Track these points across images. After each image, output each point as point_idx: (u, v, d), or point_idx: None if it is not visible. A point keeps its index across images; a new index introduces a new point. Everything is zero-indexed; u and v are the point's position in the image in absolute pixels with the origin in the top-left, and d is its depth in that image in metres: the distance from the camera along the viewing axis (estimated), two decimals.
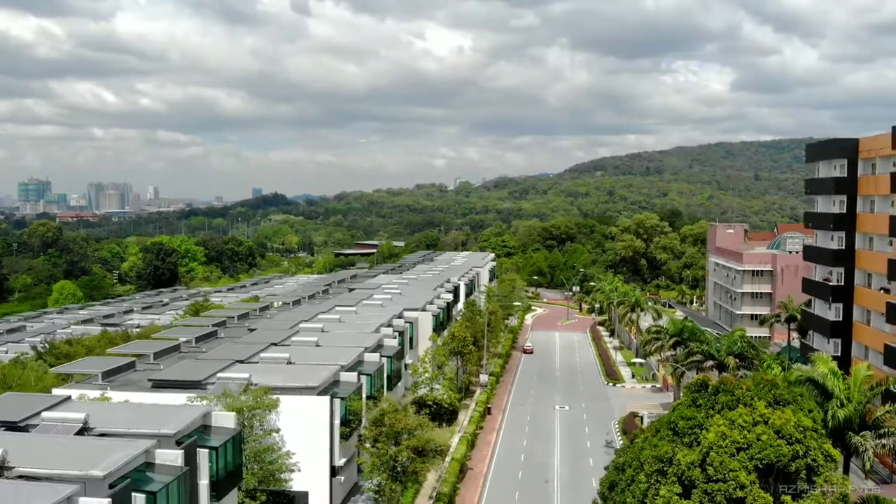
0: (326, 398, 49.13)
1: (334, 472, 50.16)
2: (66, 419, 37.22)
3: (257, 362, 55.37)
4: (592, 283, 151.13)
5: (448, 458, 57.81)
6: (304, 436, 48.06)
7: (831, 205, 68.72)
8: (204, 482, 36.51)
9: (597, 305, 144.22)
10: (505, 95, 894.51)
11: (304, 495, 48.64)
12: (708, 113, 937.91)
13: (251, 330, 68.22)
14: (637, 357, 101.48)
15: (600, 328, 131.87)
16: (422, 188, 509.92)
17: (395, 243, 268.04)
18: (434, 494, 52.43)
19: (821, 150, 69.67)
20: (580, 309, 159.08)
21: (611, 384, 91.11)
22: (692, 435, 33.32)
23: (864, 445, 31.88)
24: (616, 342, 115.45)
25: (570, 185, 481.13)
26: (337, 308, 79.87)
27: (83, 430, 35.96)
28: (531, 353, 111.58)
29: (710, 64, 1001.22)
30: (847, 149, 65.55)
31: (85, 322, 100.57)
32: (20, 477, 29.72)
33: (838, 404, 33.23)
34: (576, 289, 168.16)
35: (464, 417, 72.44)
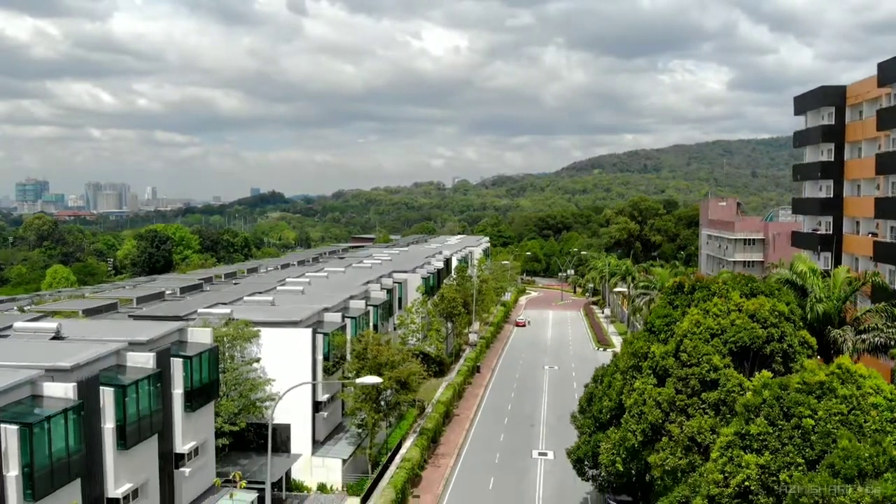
0: (309, 330, 48.75)
1: (317, 407, 49.77)
2: (39, 328, 37.05)
3: (241, 304, 55.08)
4: (587, 264, 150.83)
5: (434, 401, 57.59)
6: (287, 369, 47.69)
7: (819, 154, 68.48)
8: (178, 391, 36.21)
9: (590, 286, 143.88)
10: (502, 95, 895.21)
11: (287, 428, 48.25)
12: (705, 112, 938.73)
13: (237, 283, 67.99)
14: (629, 329, 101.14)
15: (594, 307, 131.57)
16: (420, 186, 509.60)
17: (392, 237, 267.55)
18: (418, 430, 52.04)
19: (809, 99, 69.40)
20: (574, 291, 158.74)
21: (601, 349, 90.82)
22: (668, 331, 33.05)
23: (844, 338, 31.48)
24: (608, 311, 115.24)
25: (568, 182, 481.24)
26: (326, 269, 79.55)
27: (56, 339, 35.69)
28: (524, 326, 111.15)
29: (707, 63, 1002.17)
30: (835, 95, 65.35)
31: (74, 297, 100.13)
32: None
33: (816, 299, 32.91)
34: (570, 272, 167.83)
35: (452, 373, 72.07)
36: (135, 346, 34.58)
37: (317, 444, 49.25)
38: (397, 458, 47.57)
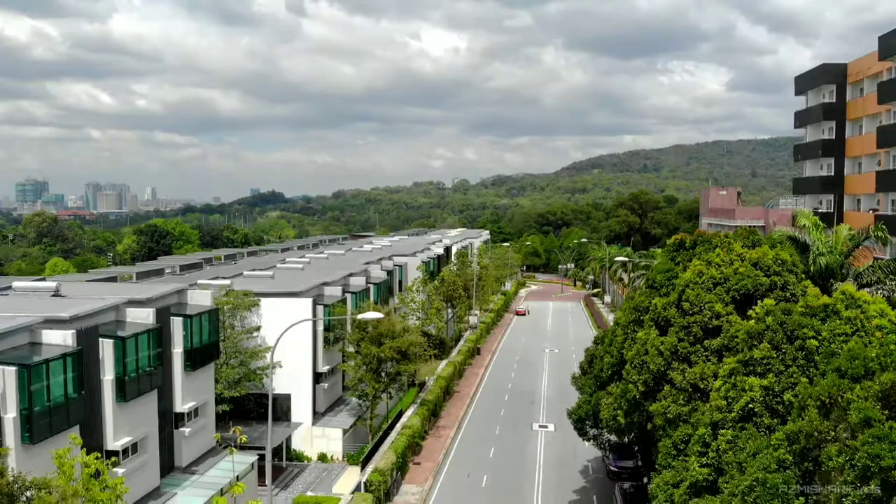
0: (309, 300, 48.60)
1: (318, 378, 49.61)
2: (38, 287, 36.96)
3: (241, 278, 54.91)
4: (587, 257, 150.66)
5: (434, 375, 57.47)
6: (288, 340, 47.39)
7: (820, 133, 68.39)
8: (178, 350, 36.08)
9: (591, 278, 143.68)
10: (501, 96, 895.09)
11: (287, 398, 48.12)
12: (705, 113, 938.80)
13: (236, 264, 67.83)
14: None
15: (594, 298, 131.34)
16: (419, 186, 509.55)
17: (392, 233, 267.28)
18: (419, 402, 51.86)
19: (809, 77, 69.31)
20: (574, 284, 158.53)
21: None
22: (669, 286, 32.88)
23: None
24: (608, 299, 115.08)
25: (568, 182, 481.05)
26: (326, 252, 79.43)
27: (56, 297, 35.56)
28: (524, 315, 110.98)
29: (706, 64, 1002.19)
30: (836, 73, 65.29)
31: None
32: None
33: (818, 252, 32.73)
34: (570, 265, 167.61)
35: (453, 353, 71.86)
36: (134, 303, 34.47)
37: (317, 416, 49.11)
38: (398, 426, 47.40)
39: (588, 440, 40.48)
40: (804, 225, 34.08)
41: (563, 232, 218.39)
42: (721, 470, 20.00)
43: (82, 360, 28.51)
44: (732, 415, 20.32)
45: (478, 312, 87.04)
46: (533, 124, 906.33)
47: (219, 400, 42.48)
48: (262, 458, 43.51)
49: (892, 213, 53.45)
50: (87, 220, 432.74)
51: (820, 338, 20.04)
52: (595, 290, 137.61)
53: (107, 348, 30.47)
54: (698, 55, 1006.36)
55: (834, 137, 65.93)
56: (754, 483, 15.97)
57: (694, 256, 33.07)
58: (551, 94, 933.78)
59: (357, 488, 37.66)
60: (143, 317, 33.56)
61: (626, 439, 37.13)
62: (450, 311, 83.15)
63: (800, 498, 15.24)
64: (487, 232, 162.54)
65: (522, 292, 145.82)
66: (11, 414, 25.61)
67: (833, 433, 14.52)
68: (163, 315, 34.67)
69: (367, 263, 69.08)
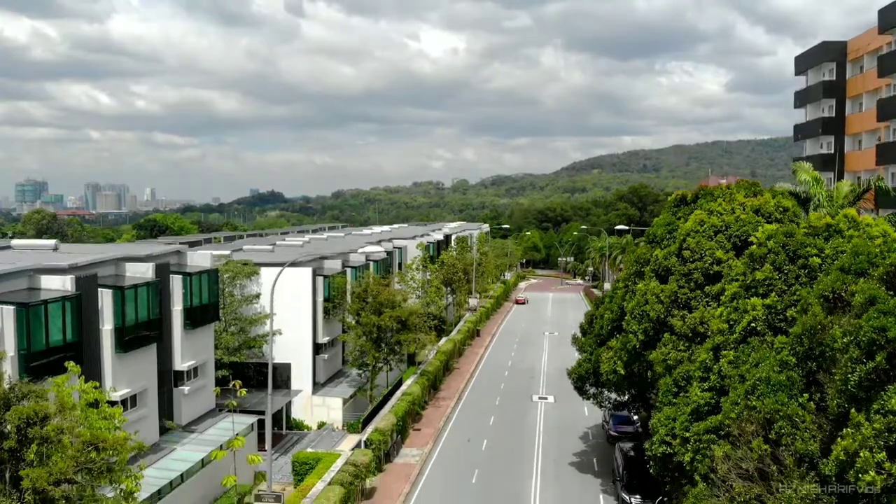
0: (309, 269, 48.57)
1: (318, 348, 49.52)
2: (36, 245, 36.94)
3: (241, 251, 54.87)
4: (586, 249, 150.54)
5: (435, 349, 57.41)
6: (288, 310, 47.42)
7: (820, 111, 68.32)
8: (177, 308, 36.00)
9: (590, 269, 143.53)
10: (500, 97, 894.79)
11: (287, 367, 48.03)
12: (704, 113, 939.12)
13: (235, 243, 67.86)
14: None
15: (594, 290, 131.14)
16: (419, 186, 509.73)
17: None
18: (419, 373, 51.75)
19: (810, 56, 69.22)
20: (574, 277, 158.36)
21: None
22: (670, 239, 32.80)
23: None
24: (608, 286, 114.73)
25: (567, 182, 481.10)
26: (326, 234, 79.51)
27: (54, 252, 35.49)
28: (524, 303, 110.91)
29: (704, 65, 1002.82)
30: (835, 51, 65.24)
31: None
32: None
33: (818, 202, 32.64)
34: (570, 259, 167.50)
35: (453, 332, 71.74)
36: (134, 259, 34.41)
37: (317, 386, 49.02)
38: (398, 393, 47.31)
39: (587, 398, 40.35)
40: (805, 179, 33.98)
41: (563, 228, 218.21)
42: (723, 391, 19.90)
43: (81, 306, 28.40)
44: (734, 336, 20.20)
45: (478, 297, 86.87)
46: (532, 125, 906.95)
47: (219, 365, 42.39)
48: (262, 423, 43.55)
49: (893, 187, 53.30)
50: (87, 219, 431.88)
51: (823, 255, 19.93)
52: (595, 283, 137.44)
53: (106, 298, 30.36)
54: (697, 56, 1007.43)
55: (834, 115, 65.89)
56: (757, 383, 15.85)
57: (696, 209, 32.99)
58: (550, 94, 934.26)
59: (357, 446, 37.53)
60: (142, 271, 33.49)
61: (625, 396, 36.99)
62: (450, 296, 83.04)
63: (804, 394, 15.13)
64: (487, 225, 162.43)
65: (522, 284, 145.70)
66: (9, 353, 25.47)
67: (838, 325, 14.39)
68: (162, 271, 34.60)
69: (367, 244, 69.10)
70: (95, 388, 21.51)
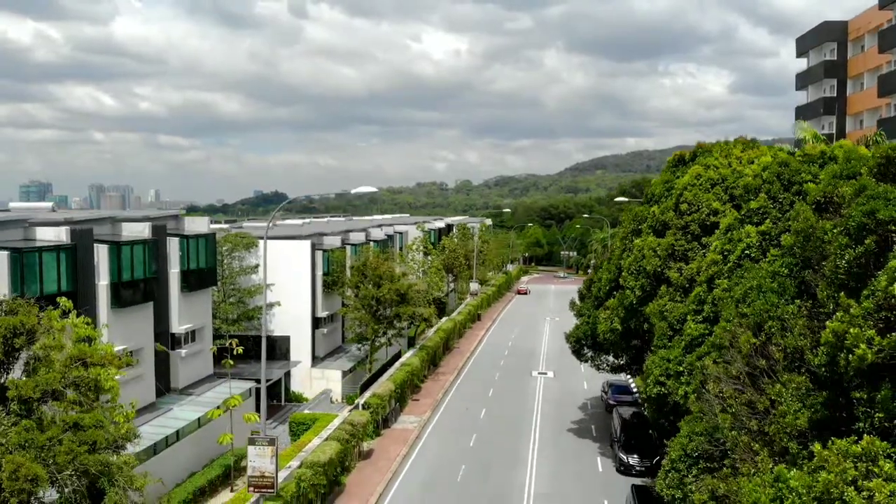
0: (308, 242, 48.57)
1: (317, 323, 49.45)
2: (35, 206, 36.96)
3: (240, 227, 54.88)
4: (590, 243, 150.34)
5: (434, 328, 57.30)
6: (287, 283, 47.42)
7: (821, 92, 68.01)
8: (174, 270, 36.02)
9: (593, 262, 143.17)
10: (503, 98, 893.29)
11: (286, 339, 47.98)
12: (707, 115, 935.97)
13: (236, 222, 67.84)
14: None
15: None
16: (422, 186, 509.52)
17: None
18: (418, 346, 51.68)
19: (810, 37, 68.90)
20: (577, 272, 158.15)
21: None
22: (668, 197, 32.62)
23: None
24: None
25: (571, 182, 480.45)
26: (327, 218, 79.53)
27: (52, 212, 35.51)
28: (526, 293, 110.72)
29: (707, 66, 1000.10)
30: (836, 31, 64.96)
31: None
32: None
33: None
34: (573, 253, 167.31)
35: (453, 314, 71.62)
36: (130, 219, 34.44)
37: (316, 360, 48.97)
38: (397, 364, 47.18)
39: (584, 361, 40.17)
40: (803, 138, 33.80)
41: (566, 224, 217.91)
42: (716, 320, 19.72)
43: (76, 257, 28.38)
44: (728, 265, 20.06)
45: (478, 283, 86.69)
46: (535, 127, 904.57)
47: (217, 335, 42.32)
48: (259, 392, 43.49)
49: None
50: None
51: (818, 180, 19.77)
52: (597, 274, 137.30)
53: (102, 252, 30.35)
54: (700, 57, 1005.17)
55: (835, 95, 65.64)
56: (748, 291, 15.71)
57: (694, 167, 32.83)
58: (553, 96, 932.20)
59: (354, 408, 37.43)
60: (138, 230, 33.52)
61: (622, 359, 36.79)
62: (451, 283, 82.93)
63: (795, 301, 14.94)
64: (489, 220, 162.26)
65: (525, 277, 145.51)
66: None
67: (830, 226, 14.19)
68: (159, 232, 34.60)
69: (368, 227, 69.11)
70: (87, 323, 21.43)
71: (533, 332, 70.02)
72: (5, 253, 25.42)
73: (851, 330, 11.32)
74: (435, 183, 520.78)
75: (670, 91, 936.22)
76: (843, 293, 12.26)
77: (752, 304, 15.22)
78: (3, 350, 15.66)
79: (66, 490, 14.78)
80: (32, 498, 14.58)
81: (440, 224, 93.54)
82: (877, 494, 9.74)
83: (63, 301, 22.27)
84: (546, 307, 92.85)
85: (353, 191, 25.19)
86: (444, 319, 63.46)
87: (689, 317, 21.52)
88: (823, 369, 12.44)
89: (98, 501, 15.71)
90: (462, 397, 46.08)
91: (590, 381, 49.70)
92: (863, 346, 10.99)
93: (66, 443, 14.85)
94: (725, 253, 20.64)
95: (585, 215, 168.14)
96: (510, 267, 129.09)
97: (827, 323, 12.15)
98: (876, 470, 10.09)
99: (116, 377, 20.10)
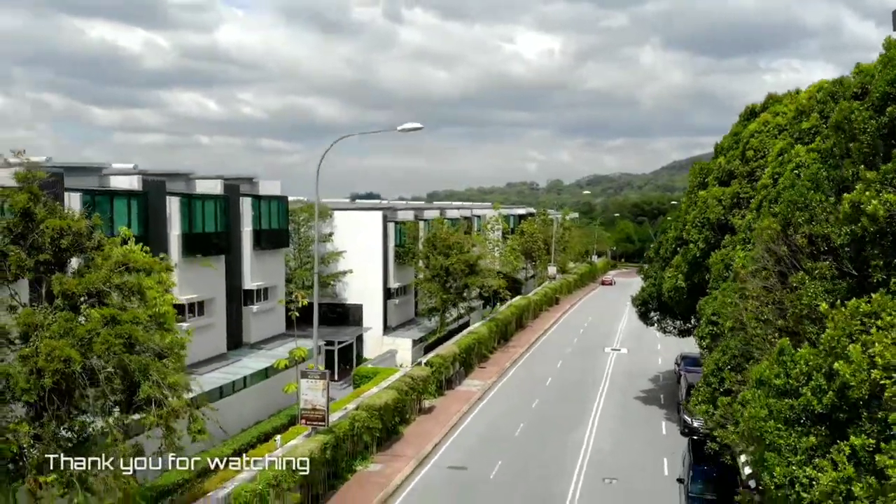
0: (380, 213, 49.39)
1: (389, 294, 50.17)
2: (118, 168, 38.80)
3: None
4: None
5: (506, 305, 57.16)
6: (359, 253, 48.45)
7: None
8: (247, 229, 37.24)
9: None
10: (596, 97, 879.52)
11: (359, 308, 48.89)
12: None
13: None
14: None
15: None
16: (513, 186, 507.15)
17: None
18: (489, 317, 51.69)
19: None
20: None
21: None
22: (735, 148, 31.55)
23: None
24: None
25: (667, 181, 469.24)
26: (406, 202, 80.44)
27: None
28: (611, 284, 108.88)
29: (813, 62, 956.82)
30: None
31: None
32: None
33: None
34: None
35: (529, 294, 71.17)
36: (204, 178, 35.81)
37: (388, 329, 49.65)
38: (465, 331, 47.36)
39: (651, 325, 39.29)
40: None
41: (660, 220, 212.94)
42: None
43: (147, 205, 29.75)
44: (778, 188, 19.24)
45: (556, 268, 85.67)
46: (629, 126, 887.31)
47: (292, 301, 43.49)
48: (329, 353, 44.51)
49: None
50: None
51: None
52: None
53: (174, 204, 31.72)
54: (805, 53, 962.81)
55: None
56: (782, 190, 14.96)
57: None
58: (648, 94, 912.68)
59: (417, 364, 37.80)
60: (211, 186, 34.83)
61: (688, 323, 35.75)
62: (529, 268, 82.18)
63: (831, 198, 14.13)
64: (577, 214, 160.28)
65: (612, 271, 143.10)
66: None
67: (858, 104, 13.38)
68: (231, 190, 35.87)
69: (444, 208, 69.57)
70: (146, 252, 22.41)
71: (612, 315, 68.80)
72: (78, 195, 26.91)
73: (867, 192, 10.73)
74: (525, 182, 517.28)
75: (773, 87, 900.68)
76: (863, 167, 11.62)
77: (781, 199, 14.56)
78: (52, 251, 16.61)
79: (101, 376, 15.56)
80: (70, 385, 15.43)
81: (521, 211, 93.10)
82: (877, 345, 9.19)
83: (123, 229, 23.46)
84: (630, 294, 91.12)
85: (398, 128, 25.39)
86: (517, 297, 63.18)
87: (737, 246, 20.77)
88: (847, 250, 11.82)
89: (132, 395, 16.48)
90: (531, 367, 45.79)
91: (665, 357, 48.61)
92: (875, 202, 10.39)
93: (104, 334, 15.64)
94: (776, 176, 19.83)
95: (674, 203, 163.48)
96: (595, 258, 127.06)
97: (844, 195, 11.55)
98: (880, 323, 9.53)
99: (182, 326, 20.88)
